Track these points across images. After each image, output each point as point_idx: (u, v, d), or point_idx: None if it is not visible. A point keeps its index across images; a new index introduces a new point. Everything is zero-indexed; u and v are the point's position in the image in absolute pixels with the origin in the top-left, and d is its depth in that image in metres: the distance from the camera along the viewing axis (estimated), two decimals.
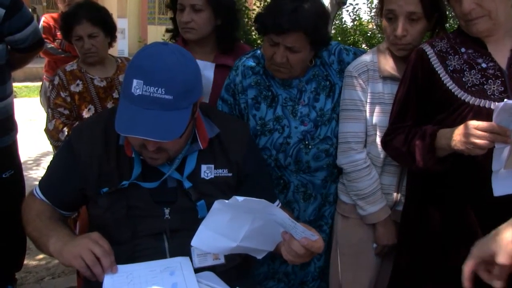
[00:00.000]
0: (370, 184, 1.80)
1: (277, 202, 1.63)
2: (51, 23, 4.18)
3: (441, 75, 1.55)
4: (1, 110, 2.31)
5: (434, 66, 1.57)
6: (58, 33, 4.20)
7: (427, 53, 1.59)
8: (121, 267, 1.31)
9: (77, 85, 2.40)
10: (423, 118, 1.60)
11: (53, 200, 1.49)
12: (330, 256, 2.01)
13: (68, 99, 2.38)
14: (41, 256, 3.11)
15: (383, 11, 1.74)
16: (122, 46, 16.13)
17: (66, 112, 2.37)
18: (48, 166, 1.56)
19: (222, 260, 1.43)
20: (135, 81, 1.24)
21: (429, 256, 1.61)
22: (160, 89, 1.24)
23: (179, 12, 2.02)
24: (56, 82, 2.40)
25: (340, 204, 1.95)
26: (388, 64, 1.79)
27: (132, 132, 1.26)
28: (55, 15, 4.43)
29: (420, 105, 1.61)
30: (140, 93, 1.24)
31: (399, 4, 1.67)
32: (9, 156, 2.46)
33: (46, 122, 2.41)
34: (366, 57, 1.84)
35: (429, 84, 1.57)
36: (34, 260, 3.10)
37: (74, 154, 1.45)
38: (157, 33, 15.71)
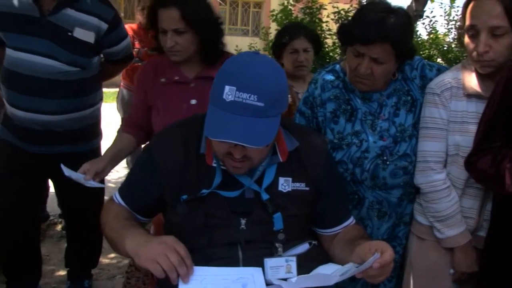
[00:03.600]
0: (449, 206, 1.72)
1: (351, 219, 1.59)
2: (130, 33, 4.39)
3: None
4: (92, 115, 2.45)
5: None
6: (136, 43, 4.43)
7: None
8: (196, 269, 1.31)
9: None
10: None
11: (132, 206, 1.53)
12: (402, 278, 1.93)
13: None
14: (113, 255, 3.26)
15: (465, 27, 1.66)
16: None
17: None
18: (129, 172, 1.61)
19: (294, 274, 1.41)
20: (227, 87, 1.26)
21: None
22: (252, 95, 1.25)
23: (161, 35, 2.01)
24: None
25: (415, 225, 1.87)
26: (473, 82, 1.70)
27: (224, 136, 1.27)
28: (134, 25, 4.65)
29: (511, 126, 1.51)
30: (232, 99, 1.25)
31: (481, 19, 1.58)
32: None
33: None
34: (450, 74, 1.76)
35: None
36: (107, 258, 3.25)
37: (155, 161, 1.48)
38: (227, 43, 15.99)
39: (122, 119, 4.59)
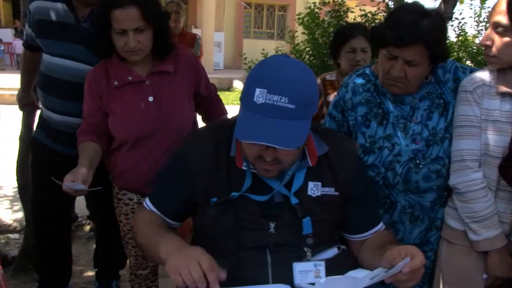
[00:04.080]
0: (487, 207, 1.68)
1: (381, 224, 1.58)
2: None
3: None
4: None
5: None
6: None
7: None
8: None
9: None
10: None
11: (163, 210, 1.54)
12: (432, 284, 1.90)
13: None
14: None
15: None
16: (218, 59, 16.68)
17: None
18: (157, 177, 1.60)
19: (323, 278, 1.41)
20: (258, 90, 1.26)
21: None
22: (283, 97, 1.25)
23: (118, 36, 1.92)
24: None
25: (446, 229, 1.84)
26: (507, 80, 1.68)
27: (256, 139, 1.26)
28: None
29: None
30: (263, 101, 1.25)
31: (491, 13, 1.62)
32: None
33: None
34: (482, 72, 1.75)
35: None
36: None
37: (185, 163, 1.48)
38: (252, 46, 16.11)
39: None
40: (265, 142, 1.26)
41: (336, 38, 2.79)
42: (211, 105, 2.27)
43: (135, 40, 1.90)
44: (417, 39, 1.61)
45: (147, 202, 1.57)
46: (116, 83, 2.00)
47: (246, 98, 1.30)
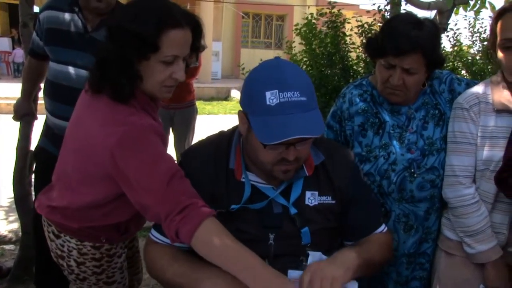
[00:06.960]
0: (479, 221, 1.69)
1: (383, 226, 1.57)
2: None
3: None
4: None
5: None
6: None
7: None
8: None
9: None
10: None
11: None
12: None
13: None
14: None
15: (498, 42, 1.65)
16: (216, 68, 16.72)
17: None
18: None
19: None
20: (268, 93, 1.28)
21: None
22: (295, 92, 1.28)
23: (163, 66, 1.46)
24: None
25: (444, 240, 1.84)
26: (503, 97, 1.69)
27: (288, 135, 1.26)
28: None
29: None
30: (278, 101, 1.27)
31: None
32: None
33: None
34: (478, 89, 1.75)
35: None
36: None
37: (187, 177, 1.46)
38: (250, 56, 16.17)
39: None
40: (299, 135, 1.27)
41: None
42: None
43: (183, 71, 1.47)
44: (415, 47, 1.63)
45: (154, 234, 1.50)
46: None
47: (255, 104, 1.31)
